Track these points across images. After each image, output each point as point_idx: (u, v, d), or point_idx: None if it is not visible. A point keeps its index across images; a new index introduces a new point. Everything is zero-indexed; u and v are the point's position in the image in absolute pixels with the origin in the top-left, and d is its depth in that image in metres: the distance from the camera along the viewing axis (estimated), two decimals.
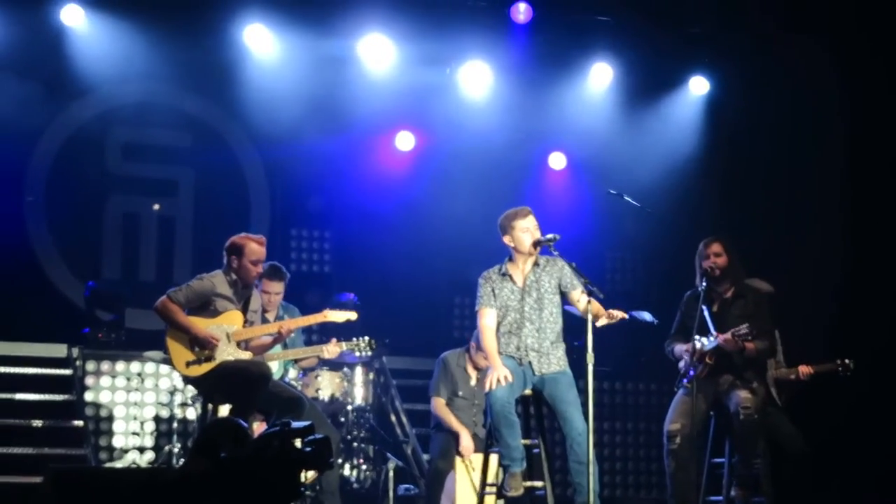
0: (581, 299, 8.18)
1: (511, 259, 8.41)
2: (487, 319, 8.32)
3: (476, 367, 10.15)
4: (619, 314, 8.11)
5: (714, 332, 8.97)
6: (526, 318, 8.27)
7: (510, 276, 8.34)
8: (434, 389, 10.19)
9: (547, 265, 8.37)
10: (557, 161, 13.49)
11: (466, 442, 9.90)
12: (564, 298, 8.37)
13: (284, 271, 9.79)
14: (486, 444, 8.36)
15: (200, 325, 8.62)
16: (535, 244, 8.30)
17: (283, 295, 9.80)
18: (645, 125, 13.15)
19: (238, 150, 13.25)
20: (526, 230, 8.29)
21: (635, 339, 11.28)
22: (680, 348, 9.22)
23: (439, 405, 10.13)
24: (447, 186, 12.81)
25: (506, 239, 8.36)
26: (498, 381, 8.00)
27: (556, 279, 8.32)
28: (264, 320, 9.29)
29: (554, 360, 8.25)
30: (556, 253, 8.29)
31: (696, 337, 9.00)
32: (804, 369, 9.80)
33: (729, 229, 9.94)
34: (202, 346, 8.61)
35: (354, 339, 9.62)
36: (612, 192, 11.15)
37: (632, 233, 12.98)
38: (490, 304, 8.32)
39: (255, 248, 8.75)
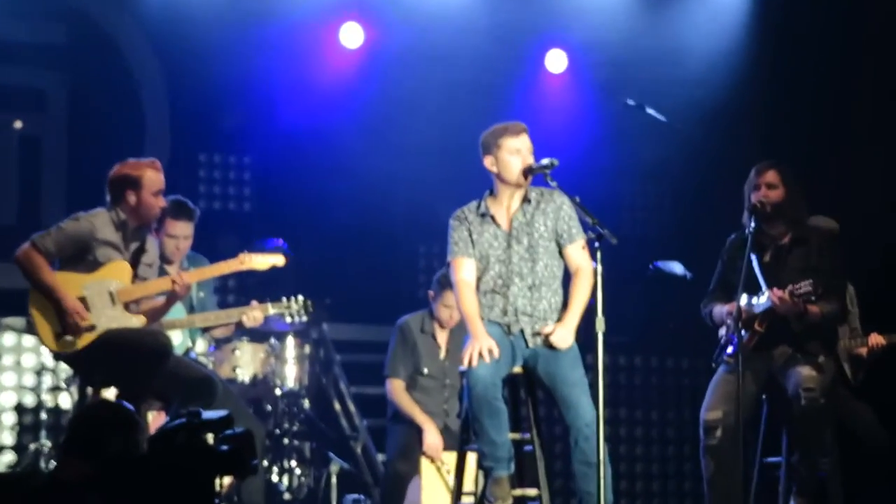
0: (574, 255, 8.12)
1: (493, 193, 8.33)
2: (464, 272, 8.25)
3: (441, 325, 10.12)
4: None
5: (766, 290, 8.92)
6: (514, 272, 8.20)
7: (492, 217, 8.26)
8: (389, 368, 10.30)
9: (542, 201, 8.29)
10: (556, 62, 13.44)
11: (432, 439, 9.97)
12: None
13: (193, 207, 9.84)
14: (462, 439, 8.32)
15: (71, 284, 8.54)
16: (527, 172, 8.21)
17: (192, 240, 9.78)
18: (671, 19, 13.12)
19: (129, 50, 13.23)
20: (516, 152, 8.20)
21: (662, 298, 11.29)
22: (721, 311, 9.19)
23: (397, 389, 10.21)
24: (408, 96, 12.73)
25: (487, 162, 8.26)
26: (480, 354, 7.93)
27: (553, 221, 8.23)
28: (164, 274, 9.18)
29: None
30: (553, 184, 8.19)
31: (743, 295, 8.94)
32: (875, 339, 9.79)
33: (777, 153, 9.87)
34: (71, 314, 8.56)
35: (284, 299, 9.58)
36: (630, 102, 11.20)
37: (656, 157, 12.94)
38: (466, 253, 8.25)
39: (154, 175, 8.86)
